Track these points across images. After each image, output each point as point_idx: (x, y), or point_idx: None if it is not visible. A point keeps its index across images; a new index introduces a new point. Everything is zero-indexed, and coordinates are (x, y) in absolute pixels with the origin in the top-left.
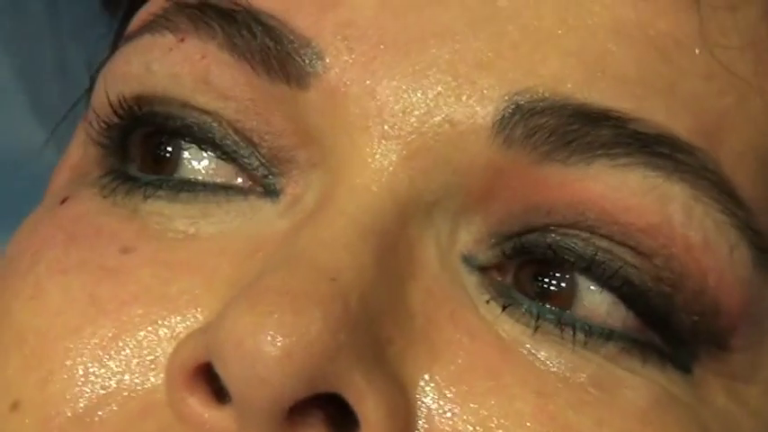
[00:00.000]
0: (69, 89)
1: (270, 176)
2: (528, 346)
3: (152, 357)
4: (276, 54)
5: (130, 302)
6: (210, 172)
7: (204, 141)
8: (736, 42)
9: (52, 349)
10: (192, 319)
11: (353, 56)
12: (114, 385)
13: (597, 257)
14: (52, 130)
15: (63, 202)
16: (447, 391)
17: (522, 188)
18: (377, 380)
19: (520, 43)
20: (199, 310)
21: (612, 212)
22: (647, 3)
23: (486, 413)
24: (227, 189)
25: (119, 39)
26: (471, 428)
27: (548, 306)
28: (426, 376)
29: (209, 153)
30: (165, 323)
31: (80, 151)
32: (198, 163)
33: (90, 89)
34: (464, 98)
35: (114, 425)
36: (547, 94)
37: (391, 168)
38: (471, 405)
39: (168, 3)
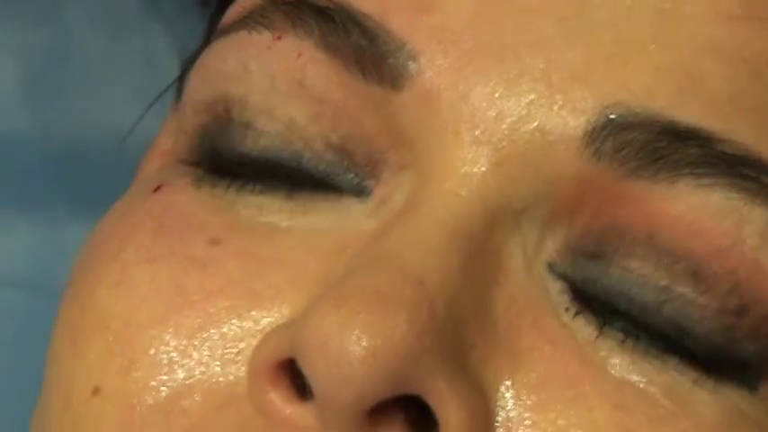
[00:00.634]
0: (156, 75)
1: (360, 176)
2: (603, 354)
3: (235, 350)
4: (371, 54)
5: (217, 294)
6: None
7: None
8: None
9: (136, 337)
10: (278, 314)
11: (448, 60)
12: (197, 376)
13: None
14: (140, 116)
15: (156, 190)
16: (527, 399)
17: (607, 202)
18: (458, 384)
19: (613, 56)
20: (284, 305)
21: (685, 236)
22: (742, 22)
23: (564, 423)
24: (325, 186)
25: (211, 30)
26: None
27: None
28: (507, 383)
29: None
30: (251, 316)
31: (171, 139)
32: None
33: (180, 78)
34: (556, 108)
35: (195, 415)
36: (638, 110)
37: (481, 174)
38: (550, 414)
39: (264, 0)
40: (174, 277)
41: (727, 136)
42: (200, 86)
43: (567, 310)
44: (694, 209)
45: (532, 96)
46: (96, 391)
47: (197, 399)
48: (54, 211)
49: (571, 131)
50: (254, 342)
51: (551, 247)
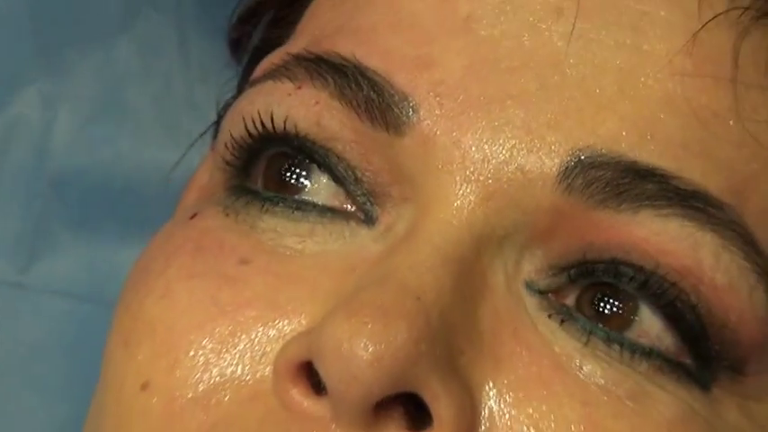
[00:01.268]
0: (197, 119)
1: (368, 205)
2: (577, 361)
3: (262, 353)
4: (378, 105)
5: (246, 306)
6: (322, 195)
7: (322, 165)
8: (765, 117)
9: (178, 341)
10: (297, 323)
11: (443, 110)
12: (229, 374)
13: (651, 279)
14: (183, 154)
15: (192, 217)
16: (507, 396)
17: (579, 228)
18: (450, 383)
19: (584, 107)
20: (303, 315)
21: (653, 254)
22: (692, 80)
23: (538, 416)
24: (333, 212)
25: (243, 83)
26: (525, 428)
27: (600, 325)
28: (490, 383)
29: (325, 174)
30: (275, 325)
31: (207, 175)
32: (313, 185)
33: (216, 123)
34: (534, 151)
35: (228, 407)
36: (604, 152)
37: (470, 207)
38: (527, 410)
39: (289, 56)
40: (210, 291)
41: (679, 174)
42: (231, 129)
43: (549, 317)
44: (656, 233)
45: (514, 141)
46: (145, 386)
47: (229, 393)
48: (109, 234)
49: (547, 170)
50: (278, 347)
51: (529, 267)
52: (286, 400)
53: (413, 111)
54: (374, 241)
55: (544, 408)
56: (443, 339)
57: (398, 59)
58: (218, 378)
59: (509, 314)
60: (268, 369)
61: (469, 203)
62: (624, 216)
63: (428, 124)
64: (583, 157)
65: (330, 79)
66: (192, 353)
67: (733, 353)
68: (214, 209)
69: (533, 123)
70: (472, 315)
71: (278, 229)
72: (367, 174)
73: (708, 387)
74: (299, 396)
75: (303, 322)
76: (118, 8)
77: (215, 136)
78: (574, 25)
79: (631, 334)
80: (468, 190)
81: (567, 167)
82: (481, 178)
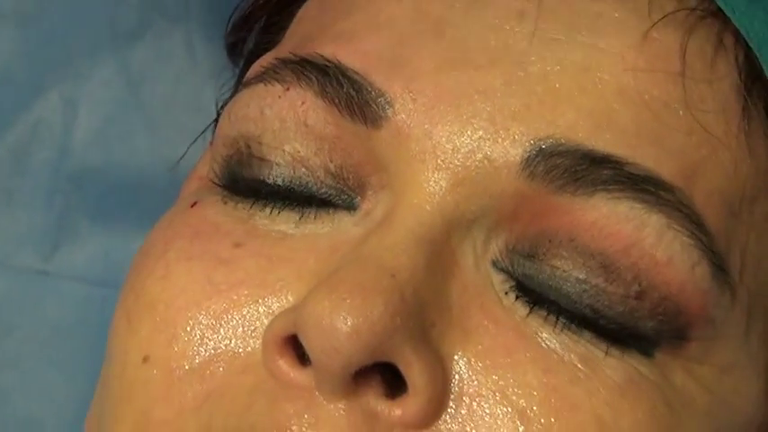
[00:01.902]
0: (203, 118)
1: (351, 196)
2: (535, 329)
3: (253, 328)
4: (357, 101)
5: (239, 285)
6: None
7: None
8: (712, 107)
9: (177, 317)
10: (285, 301)
11: (416, 105)
12: (223, 347)
13: (589, 263)
14: (187, 148)
15: (193, 205)
16: (475, 365)
17: (539, 212)
18: (422, 353)
19: (545, 101)
20: (290, 293)
21: (598, 237)
22: (644, 74)
23: (503, 383)
24: (322, 201)
25: (239, 84)
26: (492, 394)
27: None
28: (460, 352)
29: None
30: (265, 302)
31: (207, 167)
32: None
33: (216, 120)
34: (500, 141)
35: (222, 378)
36: (563, 141)
37: (441, 193)
38: (493, 376)
39: (277, 60)
40: (206, 272)
41: (632, 160)
42: (227, 126)
43: (506, 295)
44: (605, 216)
45: (481, 133)
46: (146, 359)
47: (223, 365)
48: (124, 225)
49: (511, 159)
50: (267, 322)
51: (495, 248)
52: (274, 371)
53: (389, 105)
54: (355, 225)
55: (509, 375)
56: (417, 313)
57: (376, 60)
58: (212, 351)
59: (477, 290)
60: (258, 343)
61: (441, 189)
62: (580, 200)
63: (402, 118)
64: (544, 146)
65: (314, 78)
66: (189, 328)
67: (675, 322)
68: (213, 197)
69: (499, 116)
70: (443, 291)
71: (270, 216)
72: (350, 169)
73: (650, 354)
74: (286, 367)
75: (290, 299)
76: (131, 18)
77: (214, 132)
78: (535, 26)
79: None
80: (440, 177)
81: (529, 156)
82: (451, 166)
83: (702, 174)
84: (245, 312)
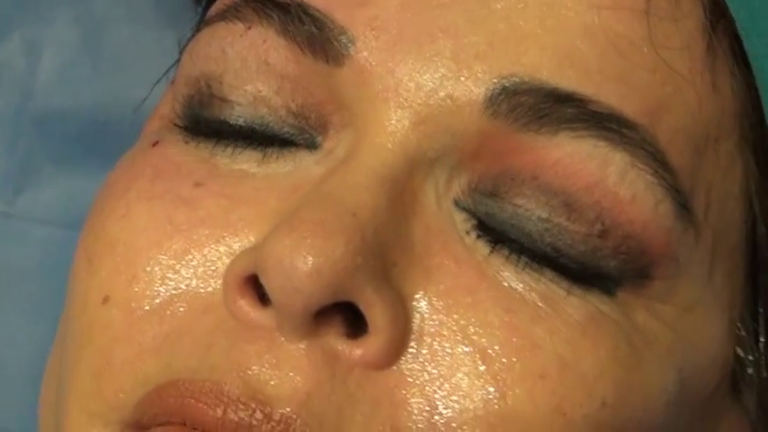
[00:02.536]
0: (167, 59)
1: (313, 135)
2: (496, 268)
3: (213, 268)
4: (319, 38)
5: (199, 225)
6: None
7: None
8: (676, 45)
9: (137, 257)
10: (246, 240)
11: (378, 43)
12: (184, 287)
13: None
14: (151, 88)
15: (154, 144)
16: (437, 304)
17: (502, 151)
18: (384, 293)
19: (508, 39)
20: (251, 233)
21: (561, 176)
22: (609, 11)
23: (464, 322)
24: (283, 140)
25: (201, 22)
26: (453, 333)
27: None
28: (421, 292)
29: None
30: (225, 242)
31: (168, 106)
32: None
33: (178, 60)
34: (462, 79)
35: (182, 318)
36: (527, 79)
37: (404, 131)
38: (454, 316)
39: None
40: (167, 212)
41: (596, 98)
42: (189, 65)
43: (468, 234)
44: (569, 154)
45: (444, 71)
46: (106, 299)
47: (183, 306)
48: (88, 168)
49: (474, 97)
50: (228, 262)
51: (457, 187)
52: (234, 311)
53: (351, 43)
54: (317, 164)
55: (470, 314)
56: (378, 253)
57: None
58: (173, 291)
59: (439, 229)
60: (219, 283)
61: (403, 128)
62: (544, 138)
63: (365, 56)
64: (507, 85)
65: (276, 16)
66: (149, 268)
67: (639, 260)
68: (174, 137)
69: (462, 54)
70: (405, 230)
71: (231, 155)
72: (312, 108)
73: (613, 293)
74: (247, 307)
75: (251, 239)
76: None
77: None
78: None
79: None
80: (402, 116)
81: (492, 94)
82: (414, 105)
83: (667, 111)
84: (205, 252)
